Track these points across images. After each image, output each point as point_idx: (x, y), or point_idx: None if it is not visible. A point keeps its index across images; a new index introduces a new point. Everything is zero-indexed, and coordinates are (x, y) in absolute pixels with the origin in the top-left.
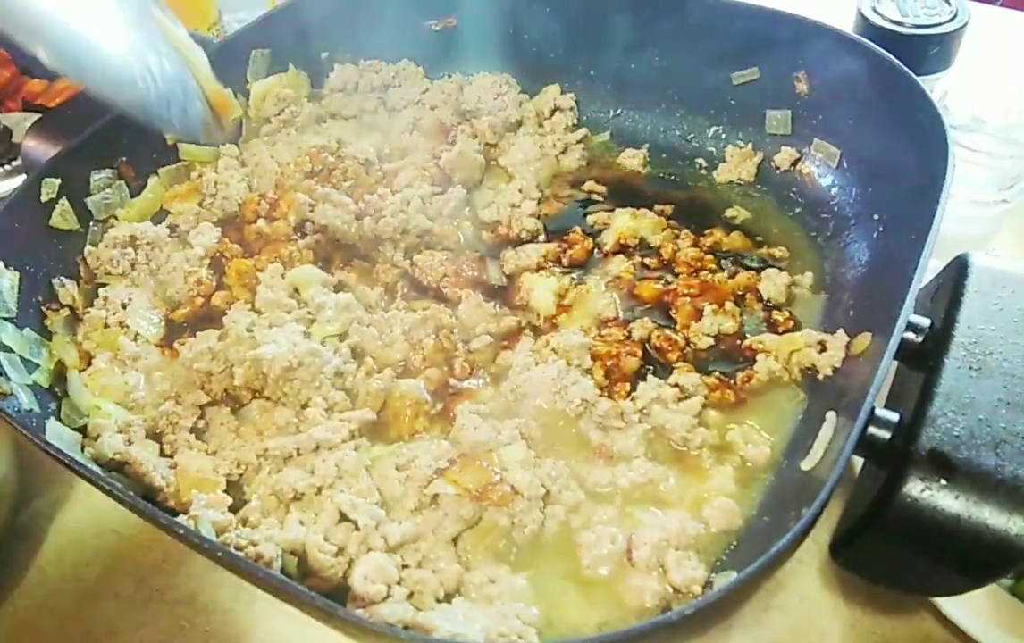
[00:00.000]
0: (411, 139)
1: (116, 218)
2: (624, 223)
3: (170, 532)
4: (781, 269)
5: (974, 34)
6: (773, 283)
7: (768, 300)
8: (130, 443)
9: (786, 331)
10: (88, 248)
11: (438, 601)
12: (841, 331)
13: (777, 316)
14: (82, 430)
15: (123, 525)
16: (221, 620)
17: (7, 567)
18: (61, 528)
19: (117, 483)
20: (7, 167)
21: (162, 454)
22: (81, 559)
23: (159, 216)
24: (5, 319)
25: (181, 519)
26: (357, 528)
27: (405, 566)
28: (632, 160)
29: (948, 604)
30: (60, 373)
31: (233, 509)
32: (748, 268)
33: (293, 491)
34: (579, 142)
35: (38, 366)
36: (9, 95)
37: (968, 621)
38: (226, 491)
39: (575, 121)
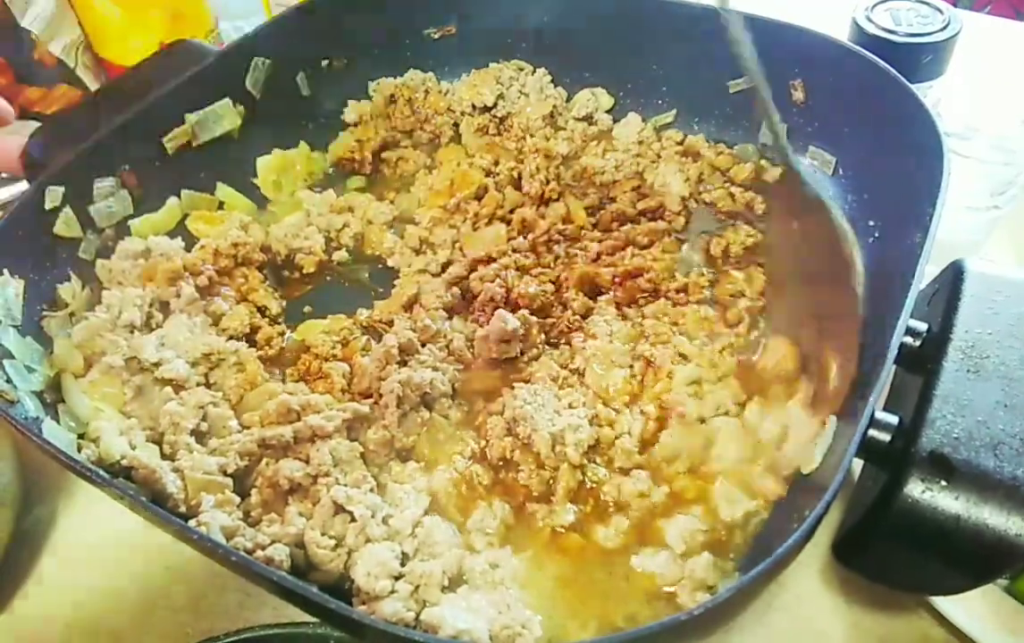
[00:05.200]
0: None
1: (121, 226)
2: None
3: (184, 538)
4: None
5: (966, 42)
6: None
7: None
8: (133, 447)
9: None
10: (99, 261)
11: (443, 589)
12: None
13: None
14: (79, 435)
15: (125, 531)
16: (226, 626)
17: (9, 575)
18: (63, 535)
19: (129, 489)
20: (4, 175)
21: (163, 457)
22: (83, 566)
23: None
24: (11, 326)
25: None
26: (354, 519)
27: (406, 554)
28: None
29: (946, 604)
30: (57, 383)
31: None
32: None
33: (289, 482)
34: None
35: (36, 371)
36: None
37: (966, 621)
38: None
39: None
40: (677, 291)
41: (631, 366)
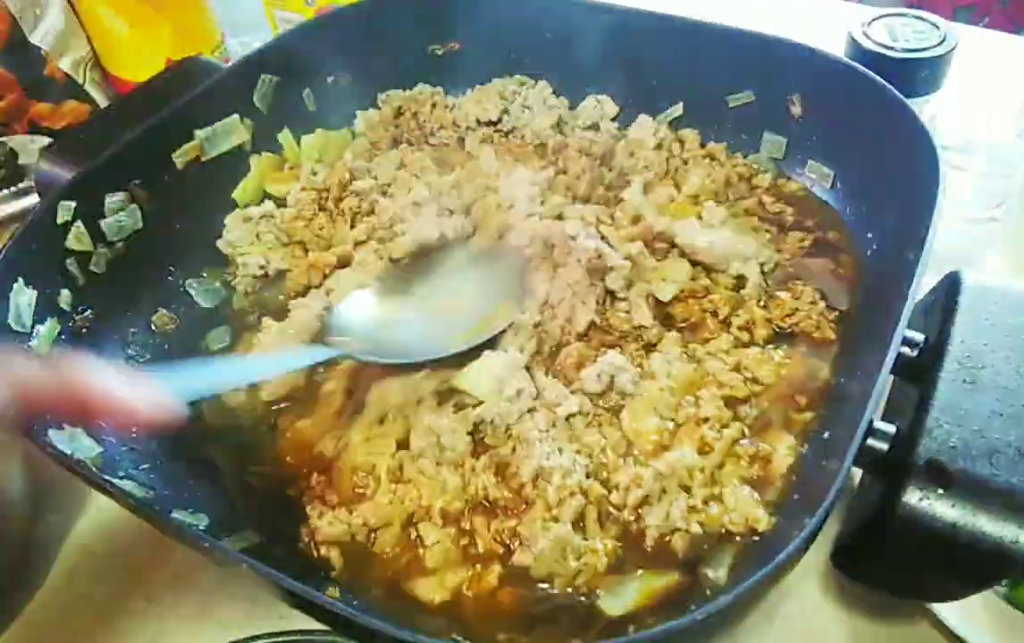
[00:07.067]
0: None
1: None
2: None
3: (192, 545)
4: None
5: (962, 56)
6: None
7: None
8: None
9: None
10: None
11: None
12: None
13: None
14: None
15: (135, 541)
16: (233, 635)
17: (20, 584)
18: (73, 545)
19: (136, 494)
20: (13, 189)
21: None
22: (93, 575)
23: None
24: (21, 332)
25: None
26: None
27: None
28: None
29: (946, 611)
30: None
31: None
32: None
33: None
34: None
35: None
36: (15, 117)
37: (965, 629)
38: None
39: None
40: (740, 328)
41: (672, 419)
